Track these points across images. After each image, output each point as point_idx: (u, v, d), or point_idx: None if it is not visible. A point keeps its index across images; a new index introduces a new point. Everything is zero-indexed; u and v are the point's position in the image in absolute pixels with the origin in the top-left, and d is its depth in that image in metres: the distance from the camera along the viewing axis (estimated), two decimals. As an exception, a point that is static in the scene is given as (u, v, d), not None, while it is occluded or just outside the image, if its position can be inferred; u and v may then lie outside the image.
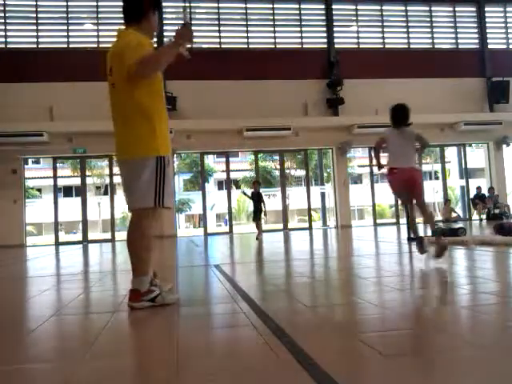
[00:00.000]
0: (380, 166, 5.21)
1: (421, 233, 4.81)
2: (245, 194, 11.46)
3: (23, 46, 14.53)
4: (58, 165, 16.04)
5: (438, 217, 19.15)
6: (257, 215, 10.81)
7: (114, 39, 2.85)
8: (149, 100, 2.71)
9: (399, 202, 5.08)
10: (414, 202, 4.72)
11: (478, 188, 15.70)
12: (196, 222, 33.00)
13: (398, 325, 2.18)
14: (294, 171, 30.80)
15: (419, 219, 5.15)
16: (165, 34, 14.80)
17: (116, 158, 2.89)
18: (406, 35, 16.33)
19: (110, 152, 14.57)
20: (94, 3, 14.65)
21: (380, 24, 16.20)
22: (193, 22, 15.38)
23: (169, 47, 2.64)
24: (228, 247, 9.18)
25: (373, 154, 5.30)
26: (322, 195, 16.95)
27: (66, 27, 14.64)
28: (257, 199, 10.72)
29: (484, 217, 15.06)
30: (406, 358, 1.67)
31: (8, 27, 14.45)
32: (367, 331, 2.09)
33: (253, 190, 10.96)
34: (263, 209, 10.66)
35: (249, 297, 3.02)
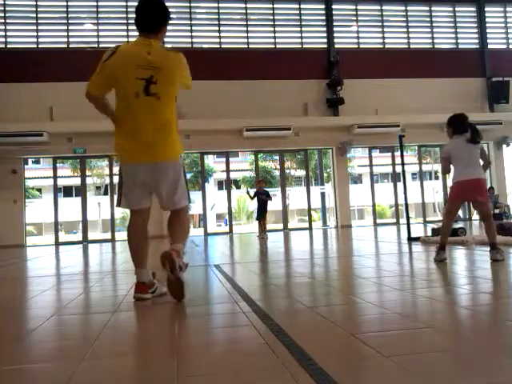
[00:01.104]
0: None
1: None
2: (247, 193, 11.49)
3: (23, 45, 14.54)
4: (57, 165, 16.04)
5: (439, 217, 19.15)
6: (261, 214, 10.89)
7: (144, 48, 2.84)
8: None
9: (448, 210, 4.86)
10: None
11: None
12: (196, 221, 33.03)
13: (398, 325, 2.18)
14: (294, 171, 30.82)
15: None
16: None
17: (157, 160, 2.90)
18: (406, 35, 16.34)
19: (109, 152, 14.58)
20: (94, 3, 14.65)
21: (380, 24, 16.21)
22: (193, 22, 15.41)
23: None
24: (228, 247, 9.18)
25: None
26: (322, 195, 16.96)
27: (66, 27, 14.65)
28: (264, 198, 10.70)
29: (484, 217, 15.05)
30: (406, 358, 1.67)
31: (8, 27, 14.46)
32: (367, 331, 2.09)
33: (256, 189, 11.01)
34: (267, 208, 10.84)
35: (249, 297, 3.02)
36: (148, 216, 3.14)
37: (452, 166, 4.59)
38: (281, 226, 16.15)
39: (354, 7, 16.08)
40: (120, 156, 2.96)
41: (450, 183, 4.71)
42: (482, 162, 4.55)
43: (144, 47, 2.84)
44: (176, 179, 2.96)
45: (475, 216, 15.88)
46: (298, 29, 15.79)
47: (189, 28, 15.21)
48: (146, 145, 2.87)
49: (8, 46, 14.39)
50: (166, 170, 2.92)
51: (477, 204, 4.58)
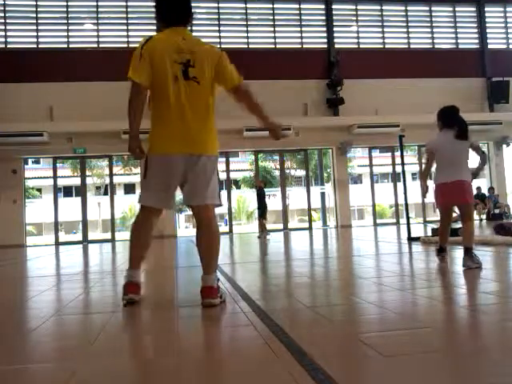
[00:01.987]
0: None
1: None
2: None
3: (23, 45, 14.53)
4: (57, 165, 16.04)
5: (439, 217, 19.18)
6: (262, 212, 11.10)
7: (178, 35, 2.82)
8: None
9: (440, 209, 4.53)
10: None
11: (478, 188, 15.69)
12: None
13: (398, 325, 2.18)
14: (294, 171, 30.82)
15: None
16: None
17: (197, 151, 2.75)
18: (406, 35, 16.34)
19: (109, 152, 14.59)
20: (94, 3, 14.65)
21: (380, 24, 16.21)
22: (193, 22, 15.39)
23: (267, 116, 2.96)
24: (228, 247, 9.18)
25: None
26: (322, 195, 16.96)
27: (66, 27, 14.64)
28: (262, 196, 10.89)
29: (484, 217, 15.06)
30: (406, 358, 1.67)
31: (8, 27, 14.46)
32: (367, 331, 2.09)
33: (258, 186, 11.23)
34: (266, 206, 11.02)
35: (249, 297, 3.01)
36: (158, 217, 2.98)
37: (435, 164, 4.33)
38: (281, 225, 16.15)
39: (354, 7, 16.08)
40: (153, 146, 2.79)
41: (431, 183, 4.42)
42: (474, 163, 4.29)
43: (178, 35, 2.83)
44: (211, 173, 2.80)
45: (475, 216, 15.89)
46: (298, 29, 15.79)
47: (189, 28, 15.18)
48: (186, 133, 2.73)
49: (8, 46, 14.38)
50: (202, 163, 2.75)
51: (460, 206, 4.25)
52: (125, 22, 14.61)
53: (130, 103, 2.80)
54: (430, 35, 16.48)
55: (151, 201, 2.84)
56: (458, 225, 10.15)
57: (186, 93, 2.76)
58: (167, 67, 2.74)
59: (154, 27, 14.78)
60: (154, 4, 2.93)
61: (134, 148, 2.81)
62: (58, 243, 14.40)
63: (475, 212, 15.72)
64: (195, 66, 2.77)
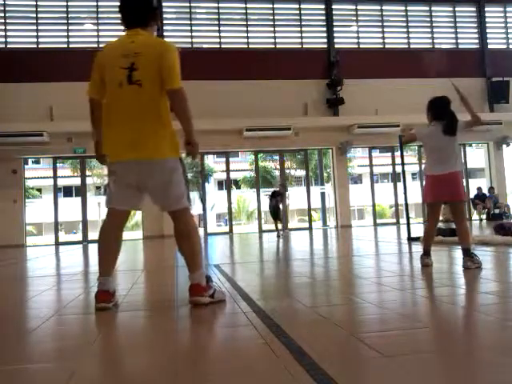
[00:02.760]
0: None
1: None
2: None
3: (23, 45, 14.53)
4: (57, 165, 16.04)
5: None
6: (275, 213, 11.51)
7: (129, 38, 2.78)
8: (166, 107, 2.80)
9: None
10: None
11: (479, 189, 15.68)
12: (196, 221, 32.99)
13: (398, 325, 2.18)
14: (294, 171, 30.81)
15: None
16: (165, 34, 14.81)
17: (147, 156, 2.71)
18: (406, 35, 16.33)
19: (109, 152, 14.56)
20: (94, 3, 14.65)
21: (380, 24, 16.21)
22: (193, 22, 15.41)
23: (191, 131, 2.83)
24: (228, 247, 9.18)
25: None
26: (322, 195, 16.96)
27: (66, 27, 14.64)
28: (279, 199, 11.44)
29: (484, 217, 15.06)
30: (406, 358, 1.67)
31: (8, 27, 14.45)
32: (367, 331, 2.09)
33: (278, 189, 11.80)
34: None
35: (249, 297, 3.02)
36: (127, 220, 2.94)
37: (424, 156, 4.20)
38: (280, 225, 16.13)
39: (354, 7, 16.08)
40: (107, 153, 2.83)
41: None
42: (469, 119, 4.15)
43: (130, 37, 2.79)
44: (168, 178, 2.74)
45: (475, 216, 15.89)
46: (298, 29, 15.79)
47: (189, 28, 15.21)
48: (132, 139, 2.70)
49: (8, 46, 14.38)
50: (154, 168, 2.72)
51: (451, 204, 4.10)
52: (125, 22, 14.61)
53: (90, 115, 2.89)
54: (430, 35, 16.48)
55: (114, 202, 2.81)
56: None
57: (130, 97, 2.71)
58: (114, 74, 2.74)
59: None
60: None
61: (98, 155, 2.94)
62: (58, 243, 14.40)
63: (475, 212, 15.73)
64: (139, 69, 2.70)
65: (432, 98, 4.26)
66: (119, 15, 2.88)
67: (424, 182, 4.23)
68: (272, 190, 12.08)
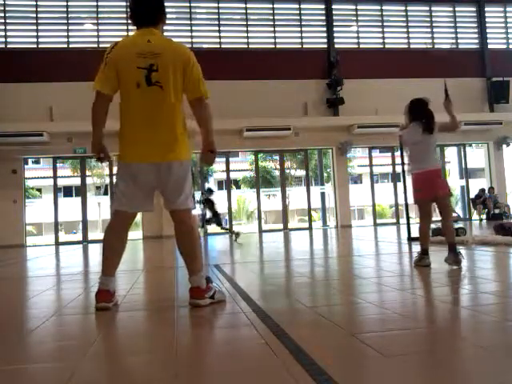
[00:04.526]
0: None
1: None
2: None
3: (23, 45, 14.53)
4: (57, 165, 16.03)
5: (439, 217, 19.10)
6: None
7: (144, 37, 2.75)
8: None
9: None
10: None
11: (482, 190, 15.61)
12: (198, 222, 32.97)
13: (397, 325, 2.18)
14: (294, 171, 30.81)
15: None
16: (165, 33, 14.79)
17: (165, 159, 2.73)
18: (406, 35, 16.33)
19: (109, 152, 14.56)
20: (94, 3, 14.65)
21: (380, 24, 16.20)
22: (193, 22, 15.41)
23: (213, 140, 2.96)
24: (228, 247, 9.18)
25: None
26: (322, 195, 16.95)
27: (66, 27, 14.63)
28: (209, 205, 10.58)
29: (484, 217, 15.06)
30: (406, 358, 1.67)
31: (8, 27, 14.44)
32: (367, 331, 2.09)
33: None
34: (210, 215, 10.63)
35: (249, 297, 3.01)
36: (133, 221, 2.95)
37: (408, 156, 4.37)
38: (281, 226, 16.15)
39: (354, 7, 16.07)
40: (122, 153, 2.78)
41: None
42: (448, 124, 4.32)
43: (144, 36, 2.75)
44: (182, 180, 2.77)
45: (475, 216, 15.89)
46: (298, 29, 15.78)
47: (189, 28, 15.21)
48: (154, 141, 2.70)
49: (8, 46, 14.38)
50: (173, 170, 2.73)
51: (439, 199, 4.16)
52: (125, 22, 14.60)
53: (93, 112, 2.80)
54: (429, 35, 16.48)
55: (125, 206, 2.81)
56: (458, 225, 10.13)
57: (150, 99, 2.70)
58: (130, 74, 2.69)
59: (154, 27, 14.83)
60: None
61: (96, 152, 2.89)
62: (58, 243, 14.40)
63: (475, 212, 15.73)
64: (158, 71, 2.69)
65: (411, 100, 4.47)
66: (130, 13, 2.87)
67: (411, 181, 4.35)
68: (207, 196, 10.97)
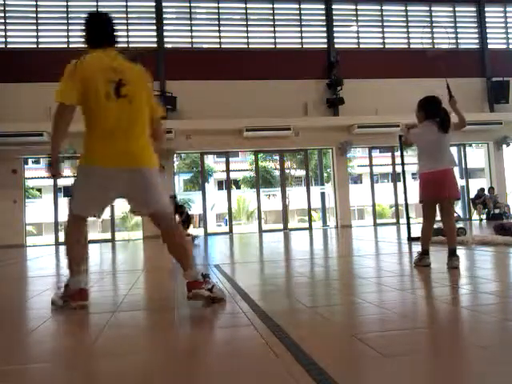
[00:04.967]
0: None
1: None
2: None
3: (23, 45, 14.53)
4: (57, 165, 16.00)
5: (438, 217, 19.10)
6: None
7: (108, 56, 2.92)
8: None
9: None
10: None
11: (482, 190, 15.61)
12: (196, 221, 33.01)
13: (398, 325, 2.18)
14: (294, 171, 30.80)
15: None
16: (165, 34, 14.82)
17: (145, 166, 2.88)
18: (406, 35, 16.33)
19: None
20: (94, 3, 14.63)
21: (380, 24, 16.21)
22: (193, 22, 15.41)
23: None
24: (228, 247, 9.18)
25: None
26: (322, 195, 16.95)
27: (66, 27, 14.64)
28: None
29: (484, 217, 15.06)
30: (406, 358, 1.67)
31: (8, 27, 14.45)
32: (367, 331, 2.09)
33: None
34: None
35: (249, 297, 3.02)
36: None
37: (417, 155, 4.26)
38: (281, 226, 16.15)
39: (354, 7, 16.07)
40: (90, 158, 2.87)
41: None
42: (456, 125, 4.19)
43: (109, 54, 2.95)
44: (157, 185, 2.93)
45: (475, 216, 15.88)
46: (298, 29, 15.79)
47: (189, 28, 15.20)
48: (126, 149, 2.83)
49: (8, 46, 14.38)
50: (145, 176, 2.87)
51: (443, 201, 4.11)
52: (125, 22, 14.61)
53: (56, 124, 2.91)
54: (429, 35, 16.47)
55: (88, 210, 2.94)
56: (459, 225, 10.11)
57: (120, 110, 2.85)
58: (100, 85, 2.82)
59: (154, 27, 14.82)
60: (82, 28, 3.04)
61: (56, 172, 3.01)
62: (57, 243, 14.38)
63: (475, 212, 15.73)
64: (127, 85, 2.87)
65: (423, 97, 4.32)
66: (92, 34, 3.00)
67: (419, 181, 4.26)
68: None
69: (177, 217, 10.93)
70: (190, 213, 11.33)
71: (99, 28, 3.01)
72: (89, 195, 2.89)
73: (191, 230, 11.44)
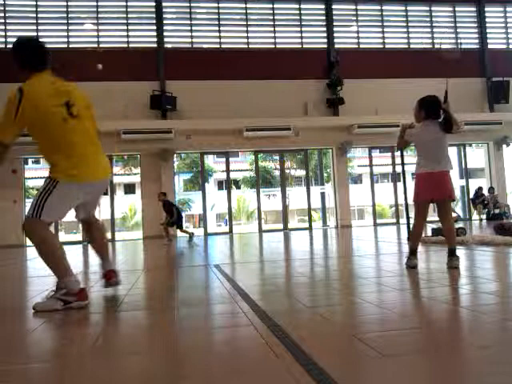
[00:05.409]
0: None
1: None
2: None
3: (23, 45, 14.51)
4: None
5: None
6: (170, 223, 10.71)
7: (47, 79, 3.12)
8: None
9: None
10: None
11: (480, 188, 15.63)
12: (196, 222, 33.01)
13: (398, 325, 2.18)
14: (294, 171, 30.82)
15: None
16: (165, 33, 14.82)
17: (106, 176, 3.28)
18: (406, 35, 16.34)
19: (109, 152, 14.59)
20: (94, 3, 14.64)
21: (380, 24, 16.21)
22: (193, 22, 15.41)
23: None
24: (228, 247, 9.18)
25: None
26: (322, 195, 16.96)
27: (66, 27, 14.63)
28: (166, 209, 10.60)
29: (484, 217, 15.07)
30: (406, 358, 1.67)
31: (8, 27, 14.45)
32: (367, 331, 2.09)
33: (160, 201, 10.75)
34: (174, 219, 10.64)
35: (249, 297, 3.02)
36: None
37: (417, 155, 4.22)
38: (281, 226, 16.16)
39: (354, 7, 16.08)
40: (77, 176, 3.02)
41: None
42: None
43: (49, 77, 3.11)
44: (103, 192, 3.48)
45: (475, 216, 15.89)
46: (298, 29, 15.79)
47: (189, 28, 15.20)
48: (97, 162, 3.14)
49: (8, 46, 14.37)
50: (106, 184, 3.39)
51: (439, 202, 4.11)
52: (125, 22, 14.61)
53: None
54: (429, 35, 16.49)
55: (51, 218, 3.12)
56: (459, 225, 10.11)
57: (79, 129, 3.05)
58: (53, 111, 2.95)
59: (154, 27, 14.81)
60: (14, 53, 3.29)
61: None
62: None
63: (475, 212, 15.73)
64: (75, 104, 3.06)
65: (424, 97, 4.27)
66: (32, 58, 3.30)
67: (416, 181, 4.23)
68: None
69: (164, 217, 10.83)
70: (178, 211, 11.00)
71: (36, 51, 3.23)
72: (65, 206, 3.12)
73: (190, 229, 11.29)
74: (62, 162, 3.02)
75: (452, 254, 3.95)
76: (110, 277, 3.45)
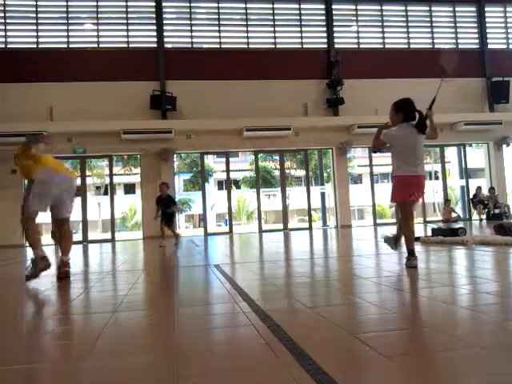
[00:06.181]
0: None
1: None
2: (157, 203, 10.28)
3: (23, 45, 14.52)
4: (57, 165, 16.00)
5: (439, 217, 19.13)
6: (168, 219, 9.88)
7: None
8: None
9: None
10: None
11: (479, 188, 15.63)
12: (196, 221, 33.01)
13: (397, 325, 2.18)
14: (294, 171, 30.82)
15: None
16: (165, 33, 14.82)
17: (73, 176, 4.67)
18: (406, 35, 16.34)
19: (109, 152, 14.61)
20: (94, 3, 14.65)
21: (380, 24, 16.21)
22: (193, 22, 15.41)
23: None
24: (228, 247, 9.18)
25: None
26: (322, 195, 16.96)
27: (66, 27, 14.64)
28: (165, 204, 9.74)
29: (484, 217, 15.06)
30: (406, 358, 1.67)
31: (8, 27, 14.44)
32: (367, 331, 2.09)
33: (160, 193, 9.94)
34: (174, 212, 10.01)
35: (249, 297, 3.02)
36: None
37: (393, 157, 4.33)
38: (281, 226, 16.16)
39: (354, 7, 16.08)
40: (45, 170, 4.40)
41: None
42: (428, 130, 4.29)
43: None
44: (73, 193, 4.55)
45: (475, 216, 15.88)
46: (298, 29, 15.79)
47: (189, 28, 15.21)
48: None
49: (8, 46, 14.38)
50: (74, 184, 4.63)
51: (413, 204, 4.24)
52: (125, 22, 14.62)
53: None
54: (429, 35, 16.49)
55: (42, 208, 4.58)
56: (458, 225, 10.11)
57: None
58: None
59: (154, 27, 14.81)
60: None
61: None
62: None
63: (475, 212, 15.73)
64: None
65: (400, 99, 4.49)
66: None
67: (395, 182, 4.31)
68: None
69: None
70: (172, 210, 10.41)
71: None
72: (46, 198, 4.49)
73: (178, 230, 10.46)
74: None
75: (411, 254, 4.08)
76: (63, 267, 4.60)
